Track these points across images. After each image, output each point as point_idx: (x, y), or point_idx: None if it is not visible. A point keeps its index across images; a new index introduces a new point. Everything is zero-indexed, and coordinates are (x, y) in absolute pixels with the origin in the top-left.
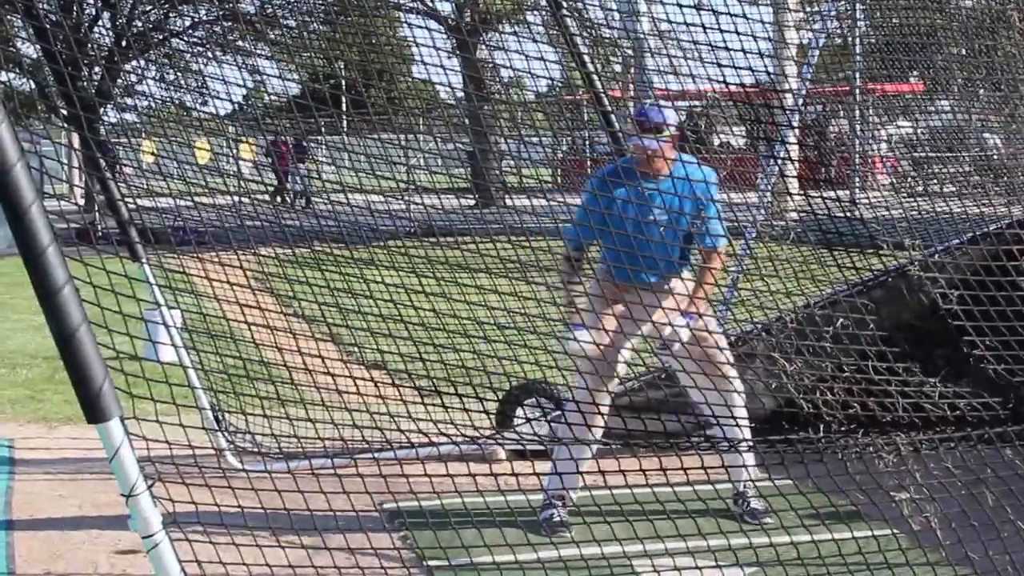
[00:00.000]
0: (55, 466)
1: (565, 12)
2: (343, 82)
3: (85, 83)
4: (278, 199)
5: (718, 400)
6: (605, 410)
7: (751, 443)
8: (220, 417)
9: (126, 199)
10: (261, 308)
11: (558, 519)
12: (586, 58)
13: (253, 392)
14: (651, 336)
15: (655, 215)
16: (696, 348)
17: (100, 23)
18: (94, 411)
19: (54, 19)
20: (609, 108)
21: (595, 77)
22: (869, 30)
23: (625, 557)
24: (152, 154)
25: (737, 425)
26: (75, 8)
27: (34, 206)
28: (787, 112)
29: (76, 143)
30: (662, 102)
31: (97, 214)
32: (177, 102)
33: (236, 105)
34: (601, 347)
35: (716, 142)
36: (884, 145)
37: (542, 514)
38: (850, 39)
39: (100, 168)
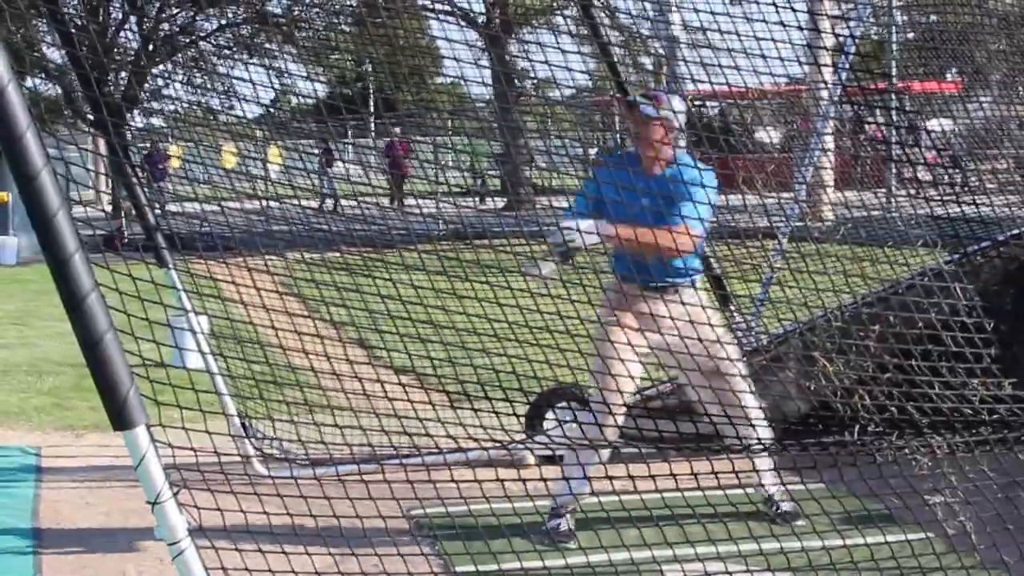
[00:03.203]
0: (82, 474)
1: (596, 4)
2: (382, 83)
3: (112, 88)
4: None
5: (732, 406)
6: (619, 412)
7: (773, 446)
8: (247, 424)
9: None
10: (288, 313)
11: (565, 528)
12: (615, 55)
13: (281, 398)
14: (659, 347)
15: (643, 204)
16: (704, 358)
17: (126, 27)
18: (120, 418)
19: (80, 24)
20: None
21: (622, 74)
22: (906, 28)
23: (655, 562)
24: (178, 158)
25: (753, 427)
26: (101, 13)
27: (60, 213)
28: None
29: (103, 148)
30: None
31: (124, 220)
32: (216, 106)
33: (264, 108)
34: (616, 350)
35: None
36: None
37: (549, 523)
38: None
39: (127, 174)
